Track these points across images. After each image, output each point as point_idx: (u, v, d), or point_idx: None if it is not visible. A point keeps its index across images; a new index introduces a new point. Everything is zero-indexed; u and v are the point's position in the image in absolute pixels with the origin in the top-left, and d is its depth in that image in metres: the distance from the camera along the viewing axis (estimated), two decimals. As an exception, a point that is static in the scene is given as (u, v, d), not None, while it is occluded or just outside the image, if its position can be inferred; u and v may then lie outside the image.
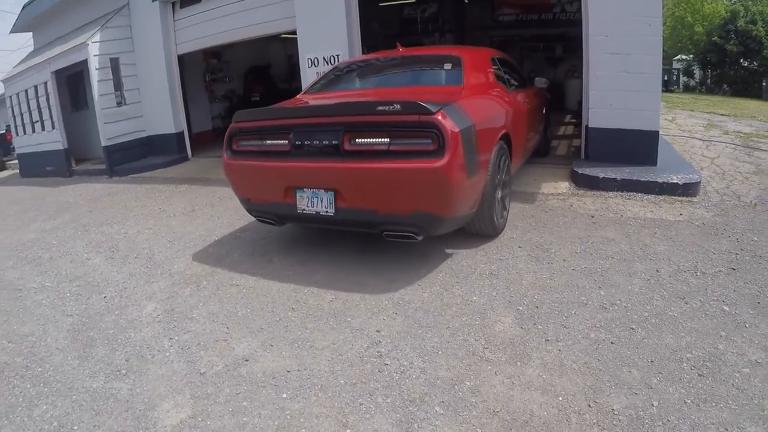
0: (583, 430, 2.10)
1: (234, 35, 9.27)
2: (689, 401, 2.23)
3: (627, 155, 5.79)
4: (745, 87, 28.33)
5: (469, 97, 3.91)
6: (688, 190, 5.14)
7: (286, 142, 3.67)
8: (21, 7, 14.47)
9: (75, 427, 2.47)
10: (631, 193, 5.27)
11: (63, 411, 2.60)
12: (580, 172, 5.76)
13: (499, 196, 4.13)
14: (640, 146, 5.71)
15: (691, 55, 35.54)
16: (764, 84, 26.19)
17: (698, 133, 8.97)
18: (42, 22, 13.87)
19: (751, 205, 4.85)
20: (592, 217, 4.68)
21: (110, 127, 10.54)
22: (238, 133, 4.03)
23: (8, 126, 22.87)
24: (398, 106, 3.18)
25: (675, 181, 5.18)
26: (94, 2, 11.59)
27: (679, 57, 37.37)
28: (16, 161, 18.12)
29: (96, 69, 10.34)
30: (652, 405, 2.22)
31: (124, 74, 10.83)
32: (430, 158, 3.18)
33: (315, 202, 3.62)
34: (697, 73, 34.67)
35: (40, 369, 3.06)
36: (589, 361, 2.58)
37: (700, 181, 5.29)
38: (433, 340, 2.91)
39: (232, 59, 13.40)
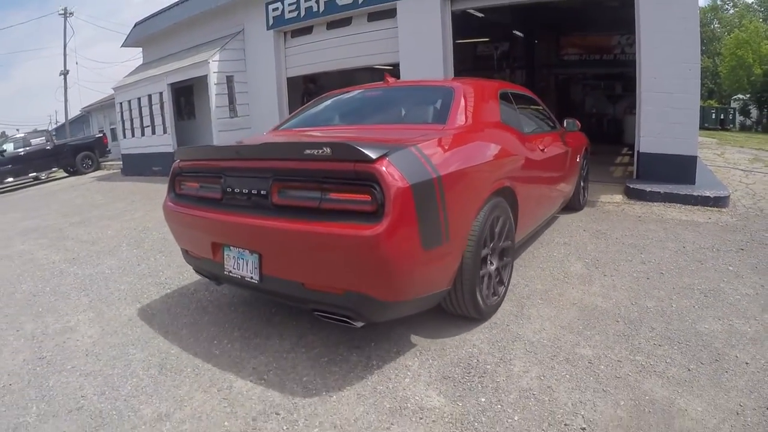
0: (627, 314, 3.57)
1: (339, 64, 10.97)
2: (696, 307, 3.66)
3: (670, 175, 7.23)
4: (800, 127, 28.48)
5: (446, 139, 3.10)
6: (718, 202, 6.56)
7: (218, 188, 3.12)
8: (132, 25, 16.88)
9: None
10: (672, 204, 6.71)
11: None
12: (631, 186, 7.26)
13: (492, 268, 3.37)
14: (681, 168, 7.17)
15: (748, 95, 36.07)
16: None
17: (742, 164, 10.12)
18: (152, 40, 16.16)
19: (769, 215, 6.18)
20: (639, 217, 6.18)
21: (223, 134, 12.40)
22: (180, 173, 3.52)
23: (102, 130, 25.58)
24: (328, 150, 2.46)
25: (707, 195, 6.62)
26: (208, 26, 13.69)
27: (736, 96, 37.93)
28: (110, 162, 20.52)
29: (214, 84, 12.37)
30: (671, 306, 3.69)
31: (237, 91, 12.81)
32: (366, 222, 2.43)
33: (240, 265, 3.00)
34: (754, 112, 35.18)
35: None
36: (632, 286, 4.07)
37: (728, 196, 6.69)
38: (529, 272, 4.47)
39: (325, 84, 15.27)
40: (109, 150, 21.57)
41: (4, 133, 19.67)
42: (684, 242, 5.15)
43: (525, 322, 3.53)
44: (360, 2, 9.90)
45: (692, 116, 7.12)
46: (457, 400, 2.61)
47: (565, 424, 2.37)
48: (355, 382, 2.81)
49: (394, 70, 9.89)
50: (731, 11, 51.80)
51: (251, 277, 2.95)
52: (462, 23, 9.44)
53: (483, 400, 2.60)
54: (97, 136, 21.63)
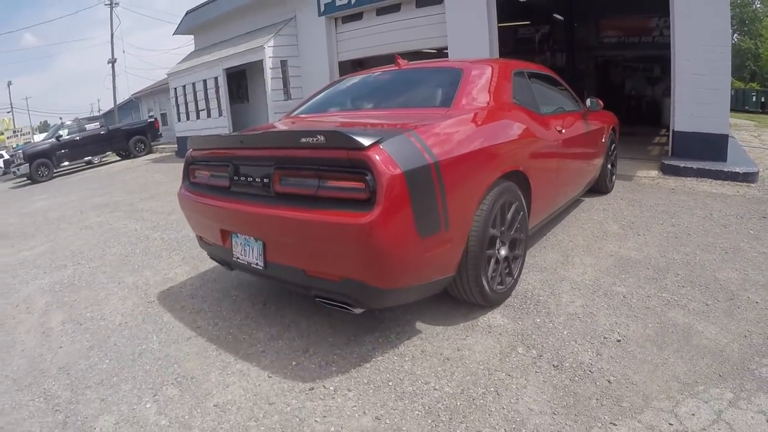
0: (657, 264, 4.14)
1: (389, 48, 11.39)
2: (717, 260, 4.20)
3: (703, 153, 7.66)
4: (844, 109, 28.01)
5: (448, 123, 3.02)
6: (747, 177, 6.99)
7: (226, 176, 3.16)
8: (184, 13, 17.74)
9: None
10: (703, 178, 7.16)
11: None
12: (666, 163, 7.73)
13: (502, 255, 3.31)
14: (713, 146, 7.60)
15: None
16: None
17: (777, 146, 10.35)
18: (204, 27, 16.95)
19: (797, 191, 6.61)
20: (672, 189, 6.69)
21: (279, 116, 13.00)
22: (193, 162, 3.59)
23: (152, 115, 26.64)
24: (322, 138, 2.47)
25: (737, 171, 7.06)
26: (261, 14, 14.41)
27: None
28: (162, 146, 21.47)
29: (270, 68, 13.11)
30: (695, 259, 4.22)
31: (290, 75, 13.52)
32: (358, 210, 2.42)
33: (247, 251, 3.08)
34: (797, 96, 34.47)
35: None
36: (661, 243, 4.62)
37: (757, 172, 7.11)
38: (572, 230, 5.08)
39: (372, 67, 15.89)
40: (161, 134, 22.56)
41: (61, 119, 20.61)
42: (711, 210, 5.64)
43: (570, 267, 4.15)
44: (409, -11, 10.45)
45: (723, 97, 7.54)
46: (517, 320, 3.22)
47: (605, 338, 3.00)
48: (436, 310, 3.40)
49: (443, 54, 10.47)
50: (774, -11, 50.44)
51: (257, 264, 2.98)
52: (504, 7, 9.85)
53: (538, 320, 3.22)
54: (148, 120, 22.65)
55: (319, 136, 2.46)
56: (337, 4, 12.14)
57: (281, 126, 3.94)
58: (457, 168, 2.80)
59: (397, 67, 4.36)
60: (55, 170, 18.00)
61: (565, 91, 5.22)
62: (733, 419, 2.26)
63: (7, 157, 25.72)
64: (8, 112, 52.45)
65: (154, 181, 12.22)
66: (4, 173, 24.60)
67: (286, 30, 13.36)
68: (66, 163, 18.72)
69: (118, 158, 20.62)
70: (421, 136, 2.69)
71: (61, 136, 18.33)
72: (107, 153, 20.30)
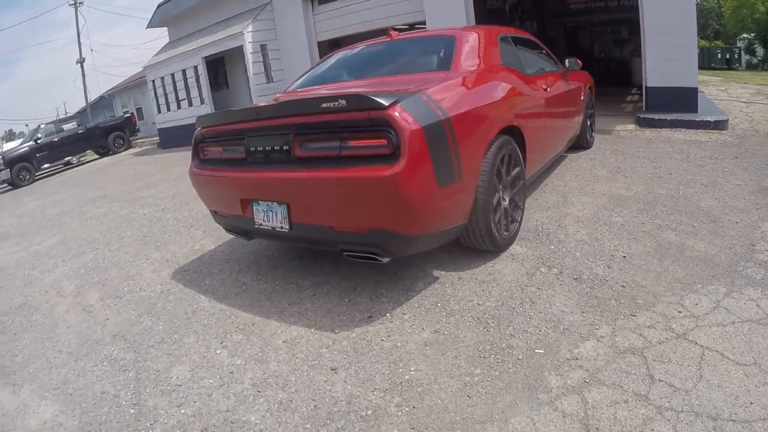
0: (645, 198, 4.62)
1: (368, 26, 11.79)
2: (698, 192, 4.70)
3: (675, 105, 8.18)
4: (808, 63, 28.89)
5: (451, 84, 3.27)
6: (718, 125, 7.54)
7: (242, 148, 3.29)
8: (156, 6, 17.77)
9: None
10: (677, 128, 7.68)
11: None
12: (641, 116, 8.26)
13: (505, 203, 3.58)
14: (684, 98, 8.14)
15: (753, 34, 36.32)
16: None
17: (743, 98, 10.99)
18: (177, 18, 17.06)
19: (764, 134, 7.13)
20: (650, 139, 7.21)
21: (262, 99, 13.31)
22: (202, 139, 3.70)
23: (127, 110, 26.52)
24: (344, 102, 2.63)
25: (708, 120, 7.61)
26: (234, 1, 14.59)
27: (742, 36, 38.07)
28: (140, 140, 21.45)
29: (250, 53, 13.34)
30: (679, 193, 4.72)
31: (271, 58, 13.76)
32: (384, 164, 2.61)
33: (270, 217, 3.24)
34: (760, 51, 35.37)
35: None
36: (647, 182, 5.12)
37: (727, 120, 7.66)
38: (566, 177, 5.55)
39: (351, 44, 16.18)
40: (138, 128, 22.52)
41: (27, 125, 20.41)
42: (688, 154, 6.16)
43: (570, 205, 4.63)
44: (384, -35, 10.78)
45: (691, 53, 8.10)
46: (534, 249, 3.72)
47: (612, 255, 3.52)
48: (464, 251, 3.75)
49: (421, 29, 10.74)
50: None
51: (281, 227, 3.15)
52: (476, -21, 10.13)
53: (552, 247, 3.72)
54: (125, 116, 22.51)
55: (340, 100, 2.62)
56: (312, -15, 12.29)
57: (289, 98, 3.97)
58: (465, 123, 3.05)
59: (389, 39, 4.58)
60: (36, 173, 17.86)
61: (545, 53, 5.52)
62: (729, 305, 2.77)
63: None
64: (-28, 123, 51.06)
65: (144, 171, 12.24)
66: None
67: (263, 15, 13.56)
68: (46, 165, 18.53)
69: (97, 156, 20.57)
70: (433, 96, 2.92)
71: (39, 138, 18.19)
72: (86, 152, 20.14)
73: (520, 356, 2.54)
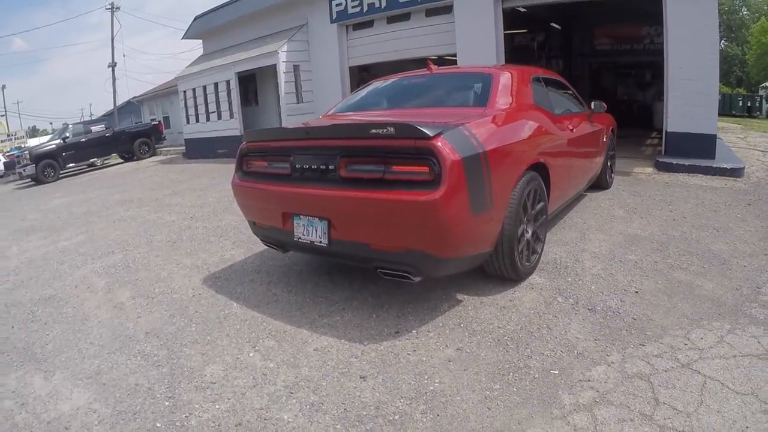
0: (659, 239, 4.85)
1: (399, 55, 12.14)
2: (710, 236, 4.91)
3: (694, 151, 8.41)
4: (828, 112, 28.93)
5: (489, 120, 3.49)
6: (734, 172, 7.76)
7: (288, 165, 3.47)
8: (192, 18, 18.26)
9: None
10: (695, 174, 7.90)
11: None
12: (660, 160, 8.50)
13: (528, 235, 3.77)
14: (703, 145, 8.37)
15: (776, 82, 36.36)
16: None
17: (761, 146, 11.19)
18: (213, 32, 17.54)
19: (779, 184, 7.38)
20: (667, 183, 7.44)
21: (291, 118, 13.56)
22: (247, 153, 3.90)
23: (154, 118, 27.05)
24: (392, 129, 2.83)
25: (725, 167, 7.82)
26: (272, 19, 15.00)
27: (764, 84, 38.09)
28: (165, 148, 21.87)
29: (283, 72, 13.68)
30: (692, 235, 4.92)
31: (302, 79, 14.11)
32: (425, 189, 2.81)
33: (310, 231, 3.40)
34: (782, 100, 35.35)
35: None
36: (661, 224, 5.34)
37: (743, 168, 7.87)
38: (584, 215, 5.77)
39: (377, 73, 16.39)
40: (164, 137, 22.98)
41: (67, 125, 20.88)
42: (703, 199, 6.38)
43: (587, 242, 4.85)
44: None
45: (712, 100, 8.37)
46: (552, 280, 3.94)
47: (625, 290, 3.74)
48: (486, 278, 3.98)
49: (452, 61, 11.04)
50: (760, -2, 51.72)
51: (320, 242, 3.31)
52: (506, 16, 10.49)
53: (569, 279, 3.93)
54: (153, 123, 23.04)
55: (389, 128, 2.82)
56: (349, 12, 12.76)
57: (334, 122, 4.20)
58: (499, 157, 3.27)
59: (429, 72, 4.83)
60: (61, 171, 18.30)
61: (572, 94, 5.74)
62: (731, 341, 2.99)
63: (5, 159, 25.84)
64: (1, 116, 52.19)
65: (171, 179, 12.47)
66: (2, 176, 24.71)
67: (298, 36, 13.93)
68: (71, 165, 19.04)
69: (122, 160, 20.95)
70: (472, 130, 3.14)
71: (68, 137, 18.65)
72: (111, 155, 20.59)
73: (537, 375, 2.76)
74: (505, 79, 4.14)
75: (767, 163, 8.94)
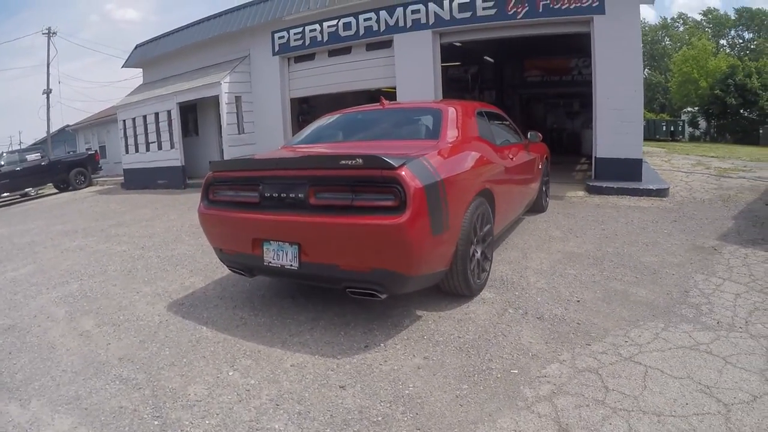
0: (595, 255, 5.34)
1: (340, 87, 12.51)
2: (641, 251, 5.45)
3: (621, 175, 9.16)
4: (745, 135, 31.71)
5: (443, 151, 3.82)
6: (659, 193, 8.50)
7: (256, 194, 3.64)
8: (133, 47, 18.23)
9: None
10: (623, 195, 8.61)
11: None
12: (591, 184, 9.19)
13: (478, 255, 4.09)
14: (629, 168, 9.14)
15: (696, 108, 38.78)
16: (761, 132, 29.32)
17: (684, 168, 12.10)
18: (154, 61, 17.49)
19: (701, 201, 8.06)
20: (598, 204, 8.08)
21: (233, 149, 13.71)
22: (214, 182, 4.04)
23: (89, 147, 26.38)
24: (360, 161, 3.10)
25: (651, 188, 8.57)
26: (215, 50, 15.13)
27: (686, 110, 40.49)
28: (102, 178, 21.39)
29: (225, 103, 13.79)
30: (624, 251, 5.44)
31: (244, 110, 14.27)
32: (391, 214, 3.10)
33: (280, 255, 3.58)
34: (702, 123, 37.62)
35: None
36: (596, 242, 5.85)
37: (668, 188, 8.63)
38: (524, 236, 6.26)
39: (317, 104, 16.63)
40: (101, 167, 22.47)
41: (1, 153, 20.12)
42: (632, 218, 7.00)
43: (529, 260, 5.28)
44: (360, 34, 11.44)
45: (637, 127, 9.23)
46: (501, 294, 4.30)
47: (568, 300, 4.15)
48: (442, 295, 4.31)
49: (392, 93, 11.51)
50: (681, 29, 55.13)
51: (291, 265, 3.53)
52: (442, 50, 11.07)
53: (516, 293, 4.31)
54: (89, 153, 22.41)
55: (357, 159, 3.11)
56: (291, 45, 13.06)
57: (298, 153, 4.44)
58: (454, 184, 3.60)
59: (381, 106, 5.13)
60: (-5, 202, 17.38)
61: (510, 125, 6.19)
62: (666, 336, 3.45)
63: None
64: None
65: (112, 210, 11.96)
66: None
67: (240, 67, 14.11)
68: (5, 195, 18.22)
69: (56, 191, 20.20)
70: (430, 161, 3.48)
71: (2, 165, 17.87)
72: (45, 185, 19.89)
73: (499, 375, 3.09)
74: (453, 113, 4.49)
75: (690, 183, 9.76)
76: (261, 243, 3.69)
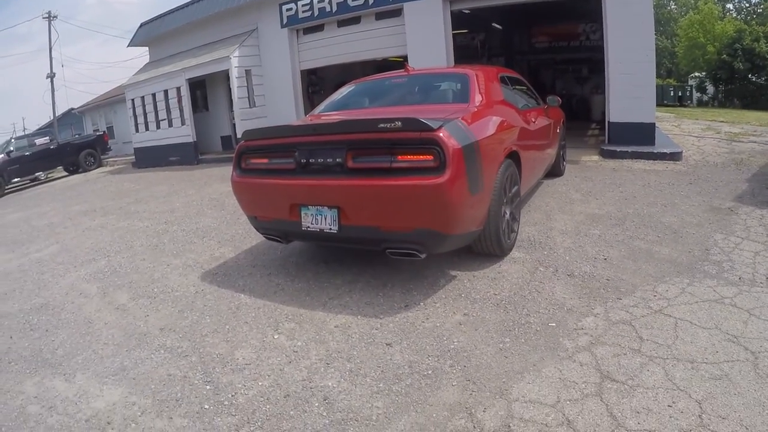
0: (616, 215, 5.47)
1: (350, 57, 12.54)
2: (660, 211, 5.57)
3: (635, 139, 9.22)
4: (753, 100, 31.34)
5: (474, 114, 3.88)
6: (673, 157, 8.57)
7: (292, 160, 3.68)
8: (138, 25, 18.16)
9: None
10: (638, 159, 8.69)
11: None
12: (605, 148, 9.27)
13: (507, 215, 4.16)
14: (643, 133, 9.20)
15: (704, 73, 38.19)
16: None
17: (695, 132, 12.10)
18: (160, 39, 17.47)
19: (714, 165, 8.14)
20: (614, 168, 8.16)
21: (245, 123, 13.70)
22: (246, 151, 4.08)
23: (97, 128, 26.44)
24: (399, 123, 3.16)
25: (665, 152, 8.64)
26: (221, 25, 15.08)
27: (693, 75, 40.06)
28: (111, 159, 21.45)
29: (236, 78, 13.81)
30: (644, 211, 5.57)
31: (254, 83, 14.30)
32: (432, 175, 3.17)
33: (319, 220, 3.64)
34: (710, 89, 37.20)
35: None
36: (616, 203, 5.98)
37: (681, 152, 8.70)
38: (545, 199, 6.37)
39: (325, 76, 16.74)
40: (110, 147, 22.51)
41: (10, 139, 20.16)
42: (649, 181, 7.11)
43: (553, 221, 5.43)
44: (370, 3, 11.41)
45: (650, 91, 9.27)
46: (530, 254, 4.47)
47: (595, 258, 4.32)
48: (473, 256, 4.45)
49: (399, 63, 11.39)
50: (687, -8, 54.30)
51: (330, 228, 3.59)
52: (452, 17, 11.03)
53: (545, 253, 4.47)
54: (98, 134, 22.43)
55: (396, 122, 3.18)
56: (299, 17, 13.03)
57: (328, 120, 4.44)
58: (487, 146, 3.68)
59: (406, 72, 5.23)
60: (6, 187, 17.61)
61: (529, 90, 6.24)
62: (692, 291, 3.61)
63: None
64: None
65: (127, 189, 11.91)
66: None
67: (249, 41, 14.08)
68: (16, 180, 18.35)
69: (66, 173, 20.29)
70: (465, 122, 3.57)
71: (12, 151, 17.96)
72: (55, 168, 19.99)
73: (538, 329, 3.25)
74: (480, 78, 4.55)
75: (702, 147, 9.81)
76: (299, 208, 3.75)
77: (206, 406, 2.69)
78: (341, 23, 12.55)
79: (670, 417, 2.36)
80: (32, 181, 19.55)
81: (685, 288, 3.66)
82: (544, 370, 2.85)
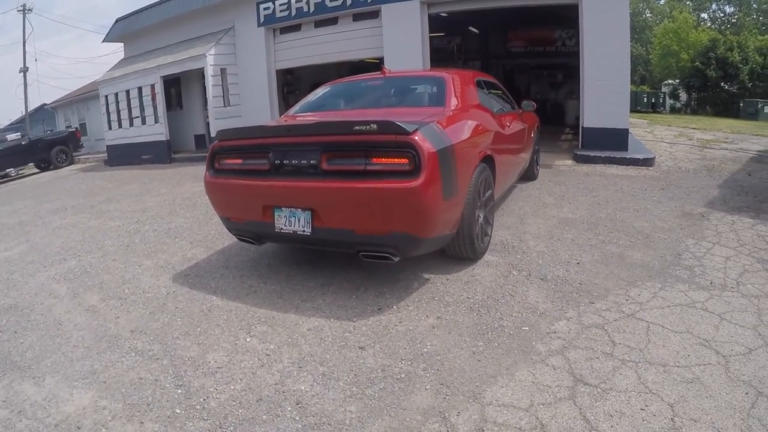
0: (589, 220, 5.52)
1: (326, 58, 12.49)
2: (632, 216, 5.65)
3: (608, 144, 9.35)
4: (725, 108, 31.76)
5: (450, 118, 3.88)
6: (646, 162, 8.70)
7: (266, 161, 3.64)
8: (114, 21, 17.77)
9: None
10: (611, 164, 8.81)
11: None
12: (578, 153, 9.38)
13: (481, 219, 4.18)
14: (616, 138, 9.32)
15: (677, 80, 38.84)
16: (741, 105, 29.23)
17: (668, 139, 12.32)
18: (135, 35, 17.12)
19: (686, 171, 8.28)
20: (587, 173, 8.26)
21: (219, 122, 13.47)
22: (220, 151, 4.02)
23: (69, 125, 25.95)
24: (375, 126, 3.13)
25: (638, 157, 8.77)
26: (198, 22, 14.84)
27: (667, 82, 40.70)
28: (84, 156, 21.08)
29: (211, 76, 13.66)
30: (616, 216, 5.65)
31: (229, 82, 14.15)
32: (406, 178, 3.15)
33: (292, 221, 3.61)
34: (683, 96, 37.82)
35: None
36: (588, 208, 6.04)
37: (654, 158, 8.83)
38: (519, 203, 6.39)
39: (301, 76, 16.63)
40: (82, 144, 22.11)
41: None
42: (621, 186, 7.20)
43: (526, 225, 5.46)
44: (348, 4, 11.34)
45: (624, 98, 9.39)
46: (503, 257, 4.49)
47: (568, 262, 4.35)
48: (446, 259, 4.47)
49: (375, 64, 11.33)
50: (662, 1, 55.19)
51: (303, 231, 3.56)
52: (429, 20, 11.05)
53: (518, 256, 4.50)
54: (70, 130, 21.97)
55: (371, 125, 3.14)
56: (276, 16, 12.93)
57: (303, 121, 4.43)
58: (462, 149, 3.68)
59: (383, 75, 5.20)
60: (-24, 183, 17.14)
61: (505, 95, 6.28)
62: (664, 295, 3.66)
63: None
64: None
65: (99, 186, 11.65)
66: None
67: (225, 39, 13.91)
68: (-14, 176, 17.65)
69: (37, 170, 19.78)
70: (440, 126, 3.54)
71: None
72: (26, 165, 19.54)
73: (511, 332, 3.27)
74: (456, 81, 4.55)
75: (674, 154, 10.00)
76: (272, 210, 3.71)
77: (178, 411, 2.65)
78: (318, 23, 12.49)
79: (643, 420, 2.39)
80: (2, 177, 19.04)
81: (657, 292, 3.72)
82: (517, 373, 2.85)
